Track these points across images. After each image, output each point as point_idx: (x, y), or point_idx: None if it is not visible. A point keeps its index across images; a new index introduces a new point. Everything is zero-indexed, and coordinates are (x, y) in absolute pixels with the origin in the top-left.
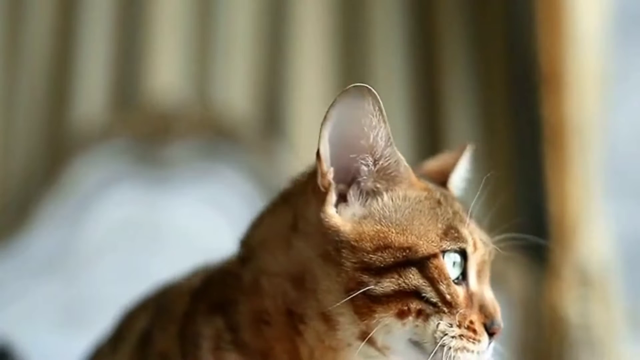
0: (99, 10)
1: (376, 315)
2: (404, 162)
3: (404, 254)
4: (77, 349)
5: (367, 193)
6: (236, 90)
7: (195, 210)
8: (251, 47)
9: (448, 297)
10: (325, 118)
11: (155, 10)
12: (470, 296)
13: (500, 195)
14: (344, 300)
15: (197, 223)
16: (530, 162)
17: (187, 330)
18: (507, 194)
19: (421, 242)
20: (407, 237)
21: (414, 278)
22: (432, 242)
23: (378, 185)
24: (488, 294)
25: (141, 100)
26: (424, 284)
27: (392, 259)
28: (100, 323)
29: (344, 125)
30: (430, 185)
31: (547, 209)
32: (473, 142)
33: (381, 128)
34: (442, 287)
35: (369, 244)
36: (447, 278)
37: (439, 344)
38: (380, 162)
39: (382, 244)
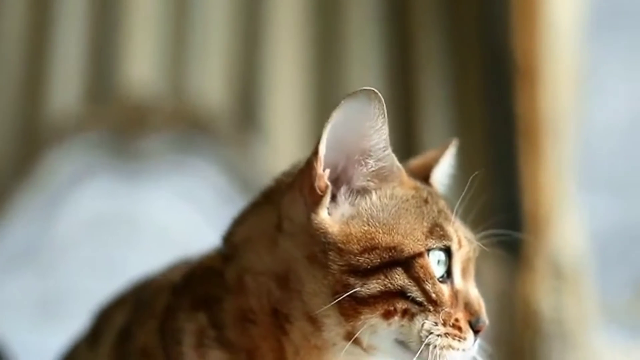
0: (74, 3)
1: (362, 316)
2: (397, 163)
3: (390, 254)
4: (52, 342)
5: (357, 192)
6: (211, 83)
7: (170, 204)
8: (226, 40)
9: (433, 295)
10: (329, 120)
11: (130, 3)
12: (455, 294)
13: (474, 189)
14: (331, 303)
15: (171, 216)
16: (504, 156)
17: (168, 326)
18: (481, 187)
19: (407, 242)
20: (393, 236)
21: (399, 278)
22: (418, 241)
23: (369, 185)
24: (473, 292)
25: (116, 93)
26: (409, 283)
27: (378, 260)
28: (76, 317)
29: (347, 127)
30: (419, 184)
31: (521, 202)
32: (448, 137)
33: (383, 131)
34: (428, 286)
35: (356, 246)
36: (432, 277)
37: (424, 343)
38: (379, 164)
39: (369, 245)
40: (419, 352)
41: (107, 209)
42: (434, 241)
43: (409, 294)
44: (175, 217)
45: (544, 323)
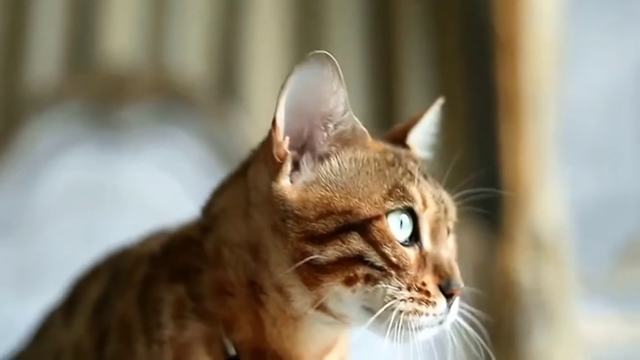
0: None
1: (324, 284)
2: (360, 126)
3: (345, 218)
4: (32, 312)
5: (319, 158)
6: (191, 53)
7: (150, 174)
8: (207, 10)
9: (394, 259)
10: (283, 87)
11: None
12: (423, 257)
13: (454, 161)
14: (287, 271)
15: (151, 186)
16: (484, 128)
17: (147, 296)
18: (461, 158)
19: (363, 205)
20: (349, 200)
21: (356, 243)
22: (375, 203)
23: (330, 150)
24: (444, 254)
25: (96, 63)
26: (367, 248)
27: (334, 225)
28: (55, 286)
29: (303, 93)
30: (387, 147)
31: (501, 174)
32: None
33: (340, 94)
34: (387, 250)
35: (312, 212)
36: (391, 240)
37: (389, 309)
38: (339, 128)
39: (325, 210)
40: (385, 318)
41: (86, 179)
42: (392, 203)
43: (367, 259)
44: (155, 187)
45: (523, 294)
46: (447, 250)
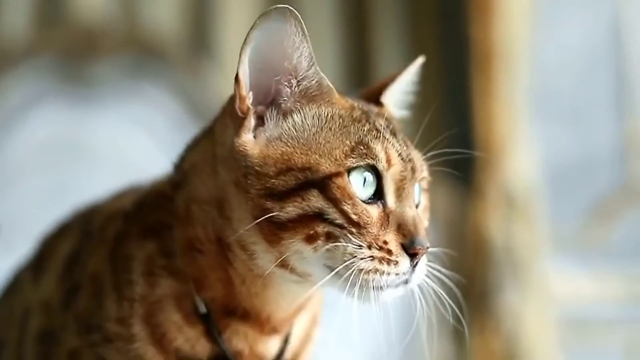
0: None
1: (284, 241)
2: (326, 82)
3: (305, 174)
4: (2, 269)
5: (283, 114)
6: (164, 8)
7: (121, 130)
8: None
9: (354, 217)
10: (245, 41)
11: None
12: (387, 215)
13: (427, 119)
14: (248, 227)
15: (122, 142)
16: (457, 85)
17: (119, 253)
18: (434, 115)
19: (323, 161)
20: (309, 156)
21: (315, 200)
22: (336, 160)
23: (295, 106)
24: (409, 212)
25: (67, 17)
26: (326, 205)
27: (294, 182)
28: (26, 244)
29: (266, 48)
30: (356, 104)
31: (474, 132)
32: (401, 64)
33: (304, 49)
34: (347, 207)
35: (272, 168)
36: (351, 197)
37: (349, 267)
38: (303, 83)
39: (285, 167)
40: (347, 277)
41: (57, 134)
42: (354, 160)
43: (327, 217)
44: (127, 143)
45: (495, 252)
46: (413, 209)
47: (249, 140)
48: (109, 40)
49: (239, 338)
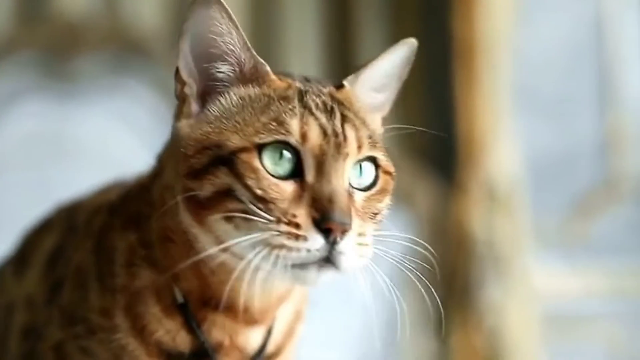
0: None
1: (208, 221)
2: (261, 64)
3: (215, 151)
4: None
5: (216, 98)
6: (146, 3)
7: (104, 125)
8: None
9: (259, 192)
10: (180, 32)
11: None
12: (302, 191)
13: (408, 111)
14: (182, 210)
15: (105, 137)
16: (439, 78)
17: (102, 245)
18: (415, 109)
19: (233, 137)
20: (222, 134)
21: (224, 177)
22: (245, 136)
23: (226, 89)
24: (327, 187)
25: (49, 12)
26: (234, 181)
27: (206, 159)
28: (9, 239)
29: (197, 37)
30: (296, 84)
31: (456, 125)
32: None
33: (232, 34)
34: (251, 182)
35: (192, 149)
36: (256, 171)
37: (260, 243)
38: (236, 67)
39: (201, 146)
40: (263, 254)
41: (41, 130)
42: (263, 135)
43: (236, 193)
44: (110, 138)
45: (478, 246)
46: (335, 185)
47: (183, 125)
48: (92, 35)
49: (218, 329)
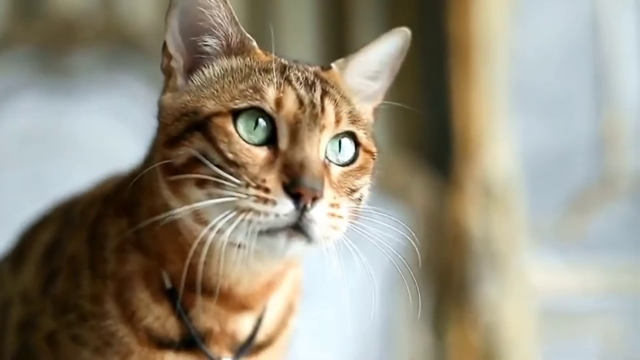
0: None
1: (182, 188)
2: (247, 39)
3: (190, 117)
4: None
5: (200, 70)
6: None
7: (99, 120)
8: None
9: (230, 155)
10: (169, 6)
11: None
12: (275, 157)
13: (405, 109)
14: (159, 179)
15: (101, 133)
16: (436, 76)
17: (96, 233)
18: (412, 106)
19: (209, 103)
20: (199, 101)
21: (198, 142)
22: (220, 102)
23: (210, 61)
24: (299, 154)
25: (45, 8)
26: (207, 145)
27: (183, 126)
28: (5, 235)
29: (186, 11)
30: (281, 59)
31: (452, 123)
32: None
33: (220, 8)
34: (223, 146)
35: (170, 117)
36: (228, 135)
37: (230, 207)
38: (223, 40)
39: (179, 113)
40: (231, 219)
41: (35, 125)
42: (238, 101)
43: (208, 157)
44: (106, 133)
45: (474, 242)
46: (308, 152)
47: (165, 97)
48: (87, 31)
49: (207, 316)
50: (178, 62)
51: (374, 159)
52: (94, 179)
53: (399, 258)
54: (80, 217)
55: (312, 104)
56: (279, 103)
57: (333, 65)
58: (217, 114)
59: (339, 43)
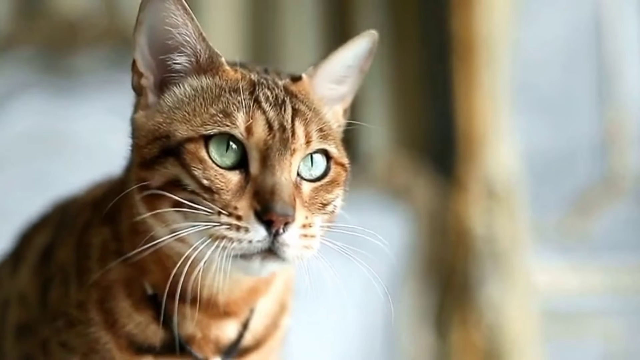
0: None
1: (159, 211)
2: (216, 56)
3: (164, 142)
4: None
5: (171, 88)
6: None
7: (102, 120)
8: None
9: (205, 182)
10: (136, 24)
11: None
12: (246, 183)
13: (408, 109)
14: (136, 199)
15: (103, 133)
16: (439, 76)
17: (82, 242)
18: (415, 107)
19: (181, 128)
20: (172, 125)
21: (172, 167)
22: (192, 127)
23: (182, 79)
24: (270, 180)
25: (47, 8)
26: (181, 171)
27: (156, 150)
28: (7, 235)
29: (154, 28)
30: (251, 76)
31: (455, 122)
32: (383, 54)
33: (187, 26)
34: (197, 172)
35: (144, 139)
36: (202, 162)
37: (204, 233)
38: (192, 58)
39: (152, 136)
40: (203, 242)
41: (38, 126)
42: (209, 127)
43: (183, 183)
44: (108, 133)
45: (477, 242)
46: (279, 177)
47: (138, 116)
48: (90, 31)
49: (188, 322)
50: (148, 80)
51: (345, 171)
52: (95, 179)
53: (402, 258)
54: (72, 222)
55: (282, 128)
56: (249, 130)
57: (303, 75)
58: (189, 139)
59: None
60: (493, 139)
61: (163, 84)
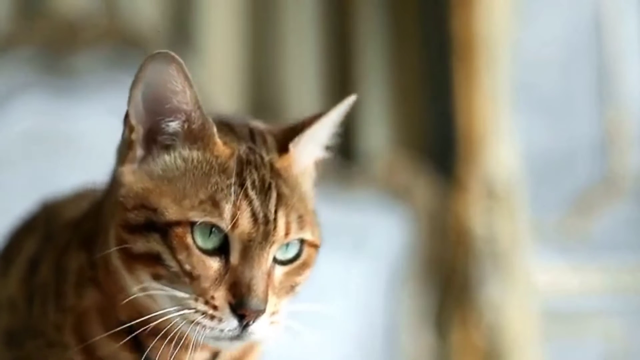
0: None
1: (137, 273)
2: (209, 125)
3: (150, 215)
4: None
5: (161, 152)
6: (145, 0)
7: (102, 121)
8: None
9: (187, 267)
10: (134, 79)
11: None
12: (226, 271)
13: (408, 109)
14: (111, 251)
15: (104, 133)
16: (439, 76)
17: (60, 264)
18: (415, 107)
19: (171, 207)
20: (161, 198)
21: (156, 243)
22: (181, 209)
23: (172, 145)
24: (248, 273)
25: (47, 8)
26: (165, 251)
27: (142, 220)
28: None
29: (151, 88)
30: (239, 151)
31: (455, 122)
32: (384, 57)
33: (186, 93)
34: (181, 257)
35: (132, 201)
36: (187, 248)
37: (178, 313)
38: (185, 125)
39: (140, 202)
40: (179, 321)
41: (37, 126)
42: (196, 214)
43: (165, 262)
44: (108, 134)
45: (477, 242)
46: (257, 270)
47: (127, 171)
48: (90, 31)
49: (161, 353)
50: (139, 134)
51: (317, 250)
52: (96, 179)
53: (402, 258)
54: (56, 238)
55: (266, 220)
56: (234, 222)
57: (290, 147)
58: (177, 223)
59: (342, 41)
60: (493, 139)
61: (153, 142)
